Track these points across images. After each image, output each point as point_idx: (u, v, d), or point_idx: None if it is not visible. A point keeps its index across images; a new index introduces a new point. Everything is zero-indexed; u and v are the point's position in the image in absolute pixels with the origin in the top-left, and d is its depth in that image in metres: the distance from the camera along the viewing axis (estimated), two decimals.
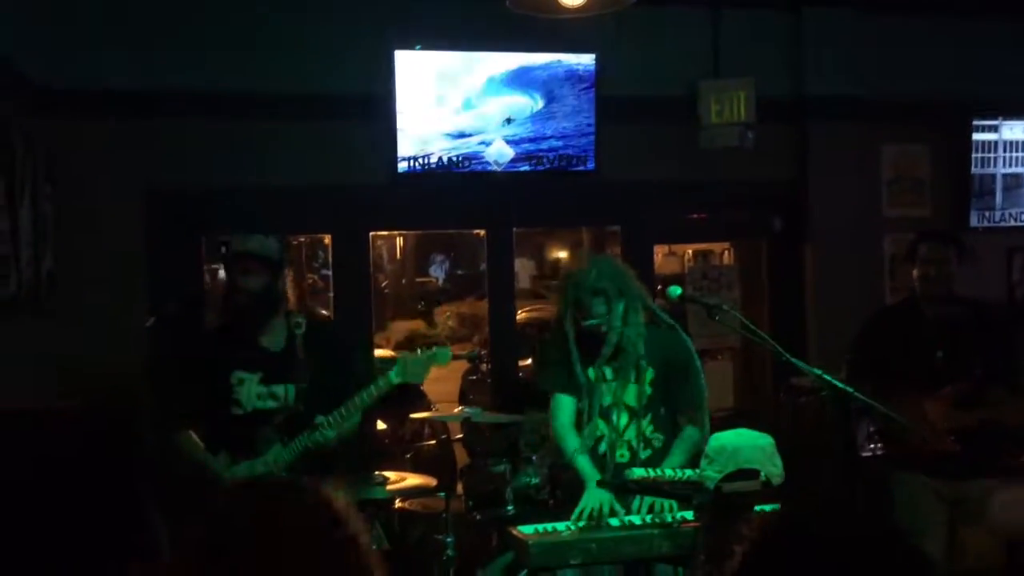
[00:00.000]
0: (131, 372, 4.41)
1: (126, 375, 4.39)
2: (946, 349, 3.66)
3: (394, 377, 3.15)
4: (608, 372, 3.24)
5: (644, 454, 3.19)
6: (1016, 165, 6.02)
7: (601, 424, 3.21)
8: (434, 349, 3.22)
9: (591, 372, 3.23)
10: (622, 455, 3.20)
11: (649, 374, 3.23)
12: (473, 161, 5.21)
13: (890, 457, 3.81)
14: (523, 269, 16.51)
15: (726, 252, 6.43)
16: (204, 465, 3.16)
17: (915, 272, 3.80)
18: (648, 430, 3.22)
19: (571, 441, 3.21)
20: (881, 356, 3.74)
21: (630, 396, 3.22)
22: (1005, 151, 5.97)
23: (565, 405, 3.26)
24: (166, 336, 4.32)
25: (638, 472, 2.95)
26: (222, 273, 3.71)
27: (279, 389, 3.19)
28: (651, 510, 2.99)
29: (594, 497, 3.00)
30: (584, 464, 3.15)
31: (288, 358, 3.18)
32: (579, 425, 3.25)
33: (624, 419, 3.23)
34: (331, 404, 3.13)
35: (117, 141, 4.77)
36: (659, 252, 9.14)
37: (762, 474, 2.73)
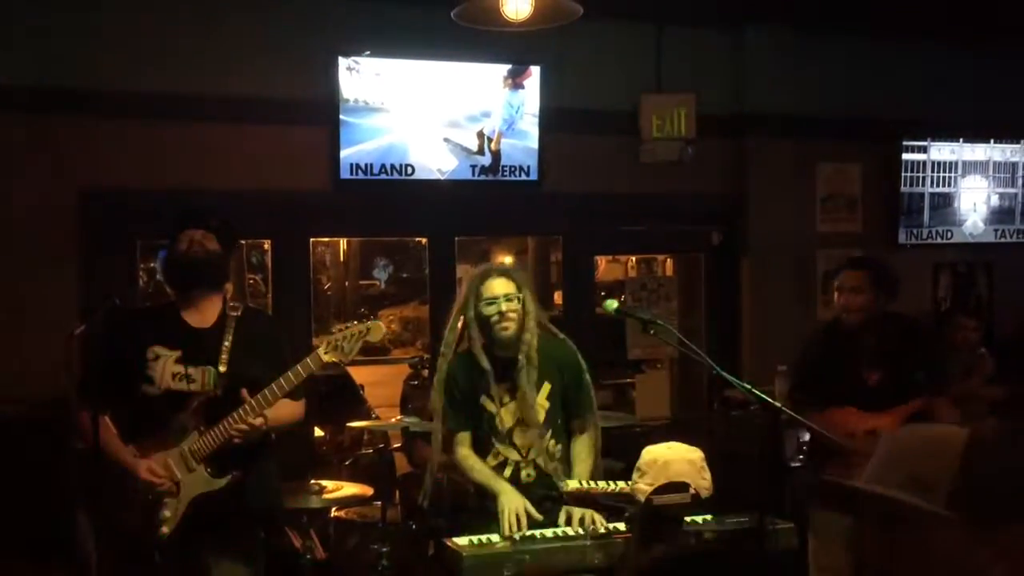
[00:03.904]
0: (60, 376, 4.30)
1: (55, 379, 4.29)
2: (884, 372, 3.77)
3: (323, 353, 2.93)
4: (504, 395, 3.13)
5: (550, 468, 3.12)
6: (943, 185, 6.24)
7: (504, 448, 3.14)
8: (366, 323, 2.99)
9: (486, 400, 3.13)
10: (528, 475, 3.13)
11: (546, 388, 3.14)
12: (416, 168, 5.21)
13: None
14: (466, 275, 16.48)
15: (668, 261, 6.53)
16: (116, 458, 2.85)
17: (836, 299, 3.94)
18: (550, 444, 3.15)
19: (481, 467, 3.13)
20: (821, 375, 3.84)
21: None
22: (933, 171, 6.18)
23: (465, 439, 3.17)
24: (95, 342, 4.22)
25: (571, 484, 2.99)
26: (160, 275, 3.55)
27: (197, 372, 2.90)
28: (582, 522, 3.02)
29: (512, 499, 2.96)
30: (490, 477, 3.08)
31: (213, 338, 2.92)
32: (479, 452, 3.16)
33: (526, 439, 3.14)
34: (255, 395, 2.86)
35: (53, 139, 4.66)
36: (603, 259, 9.25)
37: (692, 487, 2.79)
